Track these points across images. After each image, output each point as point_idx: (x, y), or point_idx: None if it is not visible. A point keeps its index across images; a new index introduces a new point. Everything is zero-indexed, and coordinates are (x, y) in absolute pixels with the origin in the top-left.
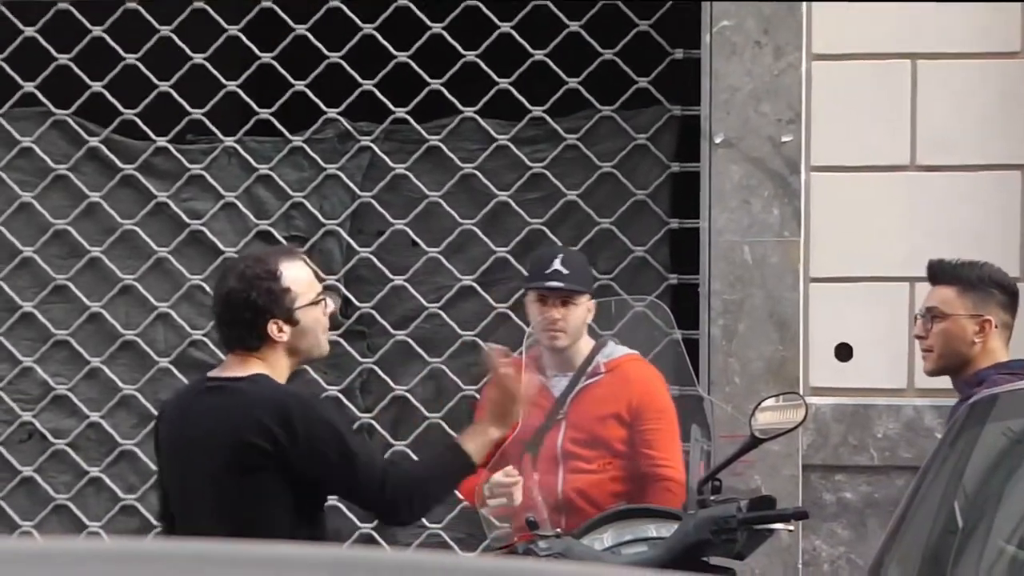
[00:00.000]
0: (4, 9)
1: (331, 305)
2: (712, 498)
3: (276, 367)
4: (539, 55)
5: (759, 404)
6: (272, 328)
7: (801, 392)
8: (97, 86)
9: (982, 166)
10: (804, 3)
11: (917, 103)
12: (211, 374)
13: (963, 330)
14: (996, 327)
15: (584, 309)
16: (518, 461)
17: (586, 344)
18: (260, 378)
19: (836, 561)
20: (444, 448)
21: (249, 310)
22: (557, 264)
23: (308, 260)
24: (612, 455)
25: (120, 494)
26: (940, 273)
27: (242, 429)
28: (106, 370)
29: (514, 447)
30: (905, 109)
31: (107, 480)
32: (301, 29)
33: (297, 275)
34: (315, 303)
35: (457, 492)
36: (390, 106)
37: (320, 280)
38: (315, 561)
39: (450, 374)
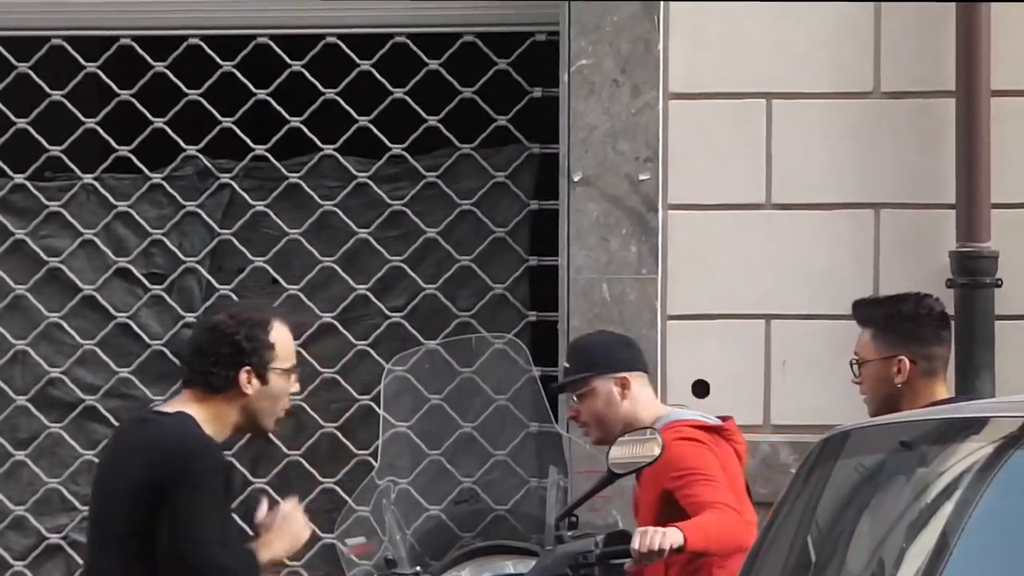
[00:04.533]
0: None
1: (296, 385)
2: (569, 534)
3: (222, 419)
4: (398, 93)
5: (615, 440)
6: (243, 376)
7: (657, 427)
8: None
9: (837, 204)
10: (661, 43)
11: (772, 142)
12: (153, 406)
13: (882, 373)
14: (916, 363)
15: (599, 393)
16: None
17: (649, 415)
18: (181, 417)
19: None
20: (248, 553)
21: (229, 348)
22: (565, 362)
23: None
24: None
25: None
26: (858, 315)
27: (142, 467)
28: None
29: None
30: (761, 148)
31: None
32: (160, 66)
33: (285, 338)
34: (289, 372)
35: None
36: (249, 143)
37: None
38: None
39: (310, 411)
